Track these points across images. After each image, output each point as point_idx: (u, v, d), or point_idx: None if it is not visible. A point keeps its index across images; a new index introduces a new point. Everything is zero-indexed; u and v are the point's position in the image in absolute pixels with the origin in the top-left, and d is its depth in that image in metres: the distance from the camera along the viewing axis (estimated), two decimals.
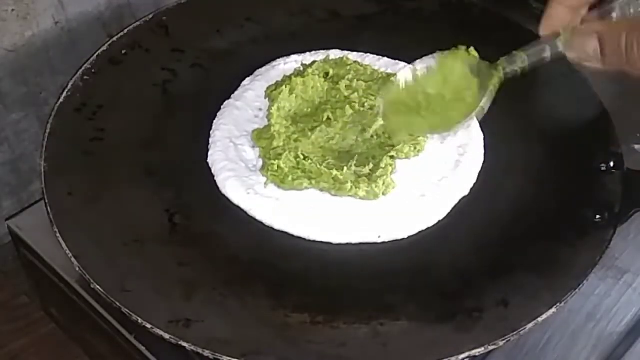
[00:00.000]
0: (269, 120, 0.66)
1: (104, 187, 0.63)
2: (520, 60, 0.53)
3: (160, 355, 0.62)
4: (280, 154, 0.63)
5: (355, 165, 0.63)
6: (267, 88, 0.69)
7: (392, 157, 0.63)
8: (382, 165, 0.62)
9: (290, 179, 0.62)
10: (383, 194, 0.62)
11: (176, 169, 0.65)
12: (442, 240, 0.61)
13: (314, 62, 0.70)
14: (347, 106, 0.66)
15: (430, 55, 0.60)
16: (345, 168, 0.62)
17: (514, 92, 0.69)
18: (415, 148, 0.64)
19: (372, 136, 0.65)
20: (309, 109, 0.68)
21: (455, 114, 0.58)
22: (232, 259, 0.60)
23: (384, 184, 0.62)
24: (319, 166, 0.62)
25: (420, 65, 0.59)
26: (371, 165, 0.63)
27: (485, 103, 0.57)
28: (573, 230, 0.60)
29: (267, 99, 0.69)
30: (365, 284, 0.58)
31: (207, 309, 0.56)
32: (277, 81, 0.69)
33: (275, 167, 0.62)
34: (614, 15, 0.48)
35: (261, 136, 0.65)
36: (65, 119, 0.67)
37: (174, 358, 0.60)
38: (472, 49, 0.58)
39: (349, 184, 0.61)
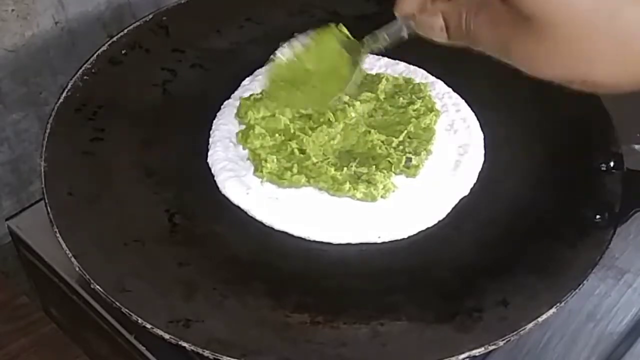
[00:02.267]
0: (247, 121, 0.66)
1: (104, 187, 0.63)
2: (382, 39, 0.56)
3: (160, 355, 0.62)
4: (268, 154, 0.63)
5: (355, 166, 0.63)
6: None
7: (390, 163, 0.63)
8: (379, 172, 0.62)
9: (289, 175, 0.62)
10: (382, 197, 0.62)
11: (176, 169, 0.65)
12: (442, 240, 0.61)
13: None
14: (349, 107, 0.66)
15: (305, 33, 0.62)
16: (345, 168, 0.62)
17: (514, 92, 0.69)
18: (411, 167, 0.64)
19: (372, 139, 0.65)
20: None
21: (332, 88, 0.61)
22: (232, 259, 0.60)
23: (384, 187, 0.62)
24: (319, 163, 0.62)
25: (297, 42, 0.61)
26: (372, 167, 0.63)
27: (356, 77, 0.59)
28: (573, 230, 0.60)
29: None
30: (365, 284, 0.58)
31: (207, 309, 0.55)
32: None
33: (269, 167, 0.62)
34: None
35: (246, 137, 0.65)
36: (65, 119, 0.67)
37: (174, 358, 0.60)
38: (341, 25, 0.60)
39: (347, 185, 0.61)
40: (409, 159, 0.64)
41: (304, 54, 0.60)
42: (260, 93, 0.68)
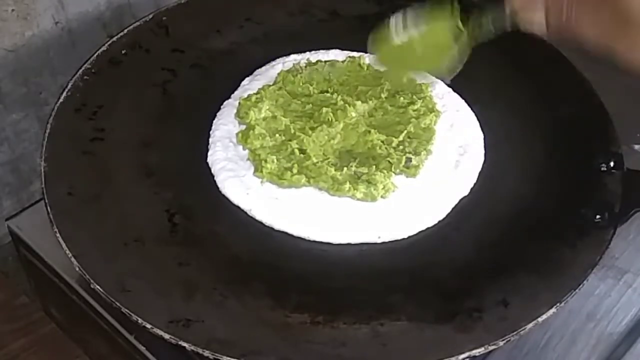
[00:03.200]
0: (247, 122, 0.66)
1: (104, 187, 0.63)
2: (488, 29, 0.57)
3: (160, 355, 0.62)
4: (268, 154, 0.63)
5: (355, 166, 0.63)
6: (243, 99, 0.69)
7: (390, 163, 0.63)
8: (379, 172, 0.62)
9: (289, 175, 0.62)
10: (382, 197, 0.62)
11: (176, 169, 0.65)
12: (442, 240, 0.61)
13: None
14: (350, 107, 0.67)
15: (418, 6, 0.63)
16: (345, 168, 0.62)
17: (514, 92, 0.69)
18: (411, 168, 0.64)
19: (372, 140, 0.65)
20: (306, 106, 0.68)
21: (438, 60, 0.62)
22: (232, 259, 0.60)
23: (384, 187, 0.62)
24: (319, 163, 0.62)
25: (410, 14, 0.62)
26: (372, 167, 0.63)
27: (462, 55, 0.61)
28: (573, 230, 0.60)
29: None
30: (365, 284, 0.58)
31: (207, 309, 0.55)
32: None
33: (269, 167, 0.62)
34: None
35: (246, 138, 0.65)
36: (65, 119, 0.67)
37: (174, 358, 0.60)
38: (455, 7, 0.61)
39: (347, 185, 0.61)
40: (409, 159, 0.64)
41: (416, 37, 0.61)
42: (258, 93, 0.68)
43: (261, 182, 0.63)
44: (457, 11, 0.61)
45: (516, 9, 0.52)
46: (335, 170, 0.62)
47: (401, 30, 0.62)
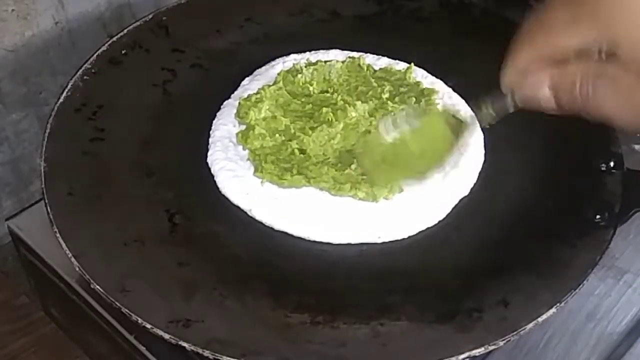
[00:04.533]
0: (247, 122, 0.66)
1: (104, 187, 0.63)
2: (489, 115, 0.52)
3: (160, 355, 0.62)
4: (268, 155, 0.63)
5: (357, 167, 0.63)
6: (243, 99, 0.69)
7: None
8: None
9: (289, 175, 0.62)
10: (385, 197, 0.62)
11: (176, 169, 0.65)
12: (442, 240, 0.61)
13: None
14: (350, 107, 0.66)
15: (411, 107, 0.61)
16: (348, 169, 0.62)
17: None
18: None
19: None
20: (306, 106, 0.68)
21: (429, 164, 0.58)
22: (232, 259, 0.60)
23: (389, 188, 0.61)
24: (319, 164, 0.62)
25: (402, 119, 0.58)
26: None
27: (452, 153, 0.57)
28: (573, 230, 0.60)
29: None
30: (365, 284, 0.58)
31: (207, 309, 0.55)
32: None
33: (268, 168, 0.62)
34: None
35: (245, 138, 0.65)
36: (65, 119, 0.67)
37: (174, 358, 0.60)
38: (449, 109, 0.59)
39: (349, 185, 0.61)
40: None
41: (410, 135, 0.56)
42: (258, 93, 0.68)
43: (261, 182, 0.63)
44: (450, 110, 0.58)
45: (513, 88, 0.46)
46: (336, 170, 0.62)
47: (392, 130, 0.56)
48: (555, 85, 0.43)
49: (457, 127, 0.56)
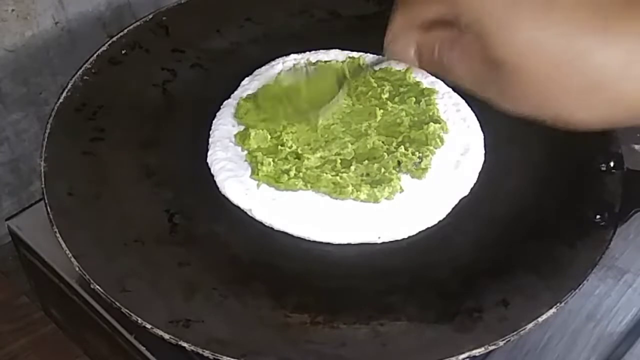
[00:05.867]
0: (246, 123, 0.66)
1: (104, 187, 0.63)
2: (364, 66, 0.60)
3: (160, 355, 0.62)
4: (265, 156, 0.63)
5: (355, 167, 0.63)
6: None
7: (399, 162, 0.63)
8: (387, 172, 0.62)
9: (285, 178, 0.62)
10: (387, 198, 0.62)
11: (176, 169, 0.65)
12: (442, 240, 0.61)
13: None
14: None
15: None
16: (348, 171, 0.62)
17: None
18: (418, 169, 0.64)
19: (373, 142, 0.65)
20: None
21: (312, 106, 0.64)
22: (232, 259, 0.60)
23: (390, 189, 0.61)
24: (317, 169, 0.62)
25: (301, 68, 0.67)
26: (374, 168, 0.63)
27: (335, 102, 0.64)
28: (573, 230, 0.60)
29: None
30: (365, 284, 0.58)
31: (207, 309, 0.55)
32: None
33: (265, 170, 0.62)
34: None
35: (244, 139, 0.65)
36: (65, 119, 0.67)
37: (174, 358, 0.60)
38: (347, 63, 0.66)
39: (350, 188, 0.61)
40: (419, 161, 0.63)
41: (303, 82, 0.64)
42: (255, 94, 0.68)
43: (257, 184, 0.62)
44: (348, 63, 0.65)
45: (387, 43, 0.50)
46: (334, 175, 0.62)
47: (290, 75, 0.65)
48: (418, 49, 0.48)
49: (343, 82, 0.63)
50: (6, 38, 0.79)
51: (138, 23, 0.75)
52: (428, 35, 0.47)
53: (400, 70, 0.71)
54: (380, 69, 0.71)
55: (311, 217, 0.61)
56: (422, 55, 0.48)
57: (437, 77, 0.53)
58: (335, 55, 0.72)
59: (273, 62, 0.72)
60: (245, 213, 0.62)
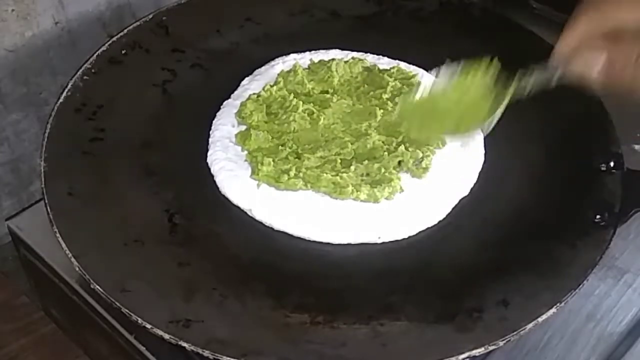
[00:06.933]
0: (247, 123, 0.66)
1: (104, 187, 0.63)
2: (530, 83, 0.54)
3: (160, 355, 0.62)
4: (265, 156, 0.63)
5: (359, 167, 0.63)
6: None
7: (400, 162, 0.63)
8: (387, 172, 0.62)
9: (285, 178, 0.62)
10: (386, 198, 0.62)
11: (176, 169, 0.65)
12: (442, 240, 0.61)
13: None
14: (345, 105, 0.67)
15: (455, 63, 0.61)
16: (349, 171, 0.62)
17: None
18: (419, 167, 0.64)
19: (374, 142, 0.65)
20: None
21: (469, 121, 0.61)
22: (232, 259, 0.60)
23: (390, 189, 0.61)
24: (316, 169, 0.62)
25: (444, 71, 0.61)
26: (374, 168, 0.63)
27: (497, 115, 0.59)
28: (573, 230, 0.60)
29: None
30: (365, 284, 0.58)
31: (207, 309, 0.55)
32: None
33: (265, 170, 0.62)
34: None
35: (244, 139, 0.65)
36: (65, 119, 0.67)
37: (174, 358, 0.60)
38: (495, 60, 0.59)
39: (350, 188, 0.61)
40: (420, 160, 0.63)
41: (451, 89, 0.59)
42: (258, 95, 0.68)
43: (257, 184, 0.62)
44: (495, 69, 0.59)
45: (566, 53, 0.45)
46: (334, 175, 0.62)
47: (429, 87, 0.59)
48: (611, 61, 0.43)
49: (500, 85, 0.56)
50: (6, 38, 0.79)
51: (138, 23, 0.75)
52: (622, 44, 0.42)
53: (403, 71, 0.70)
54: (381, 70, 0.71)
55: (311, 217, 0.61)
56: (613, 68, 0.43)
57: (616, 91, 0.46)
58: (335, 55, 0.72)
59: (273, 62, 0.73)
60: (245, 213, 0.62)
